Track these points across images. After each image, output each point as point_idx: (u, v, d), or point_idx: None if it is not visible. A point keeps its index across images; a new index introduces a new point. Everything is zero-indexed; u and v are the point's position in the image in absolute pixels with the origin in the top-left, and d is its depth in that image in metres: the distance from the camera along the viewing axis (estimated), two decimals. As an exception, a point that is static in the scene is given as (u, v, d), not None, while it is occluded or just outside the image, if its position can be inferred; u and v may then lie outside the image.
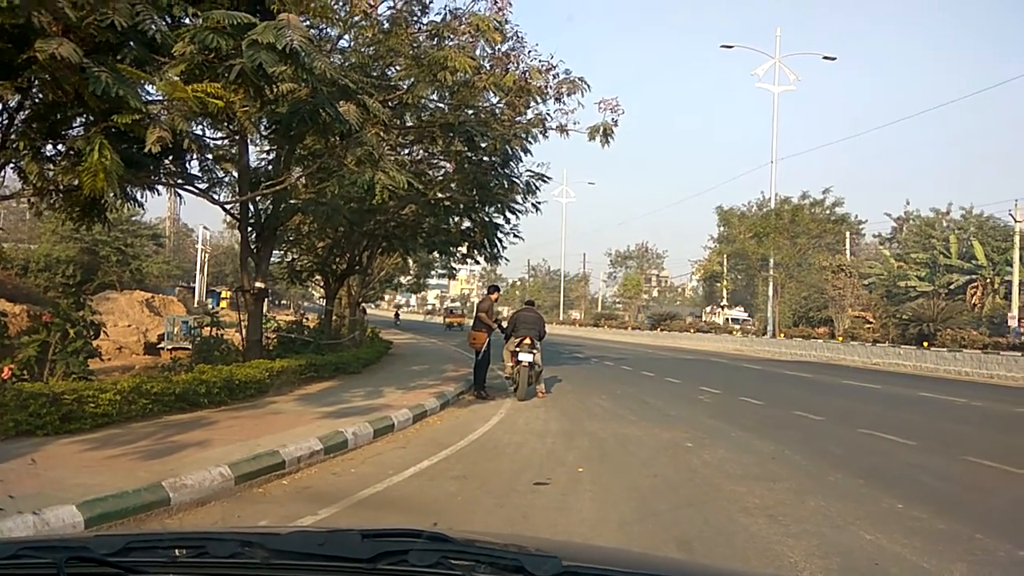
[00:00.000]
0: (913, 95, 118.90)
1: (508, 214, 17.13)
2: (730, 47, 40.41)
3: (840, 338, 32.27)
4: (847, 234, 45.61)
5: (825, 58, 40.02)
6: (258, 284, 12.49)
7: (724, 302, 55.86)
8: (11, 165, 7.64)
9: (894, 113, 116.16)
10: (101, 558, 1.22)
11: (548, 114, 13.78)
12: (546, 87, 12.97)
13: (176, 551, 1.34)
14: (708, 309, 59.90)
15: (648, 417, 11.04)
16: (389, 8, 11.61)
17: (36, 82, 6.25)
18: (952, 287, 42.88)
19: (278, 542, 1.38)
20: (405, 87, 11.79)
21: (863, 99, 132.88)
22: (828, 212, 39.34)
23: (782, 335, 36.83)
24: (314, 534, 1.52)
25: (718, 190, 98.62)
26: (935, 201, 79.69)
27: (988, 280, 42.13)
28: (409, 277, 41.54)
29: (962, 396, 16.37)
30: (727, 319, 50.45)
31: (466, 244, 18.56)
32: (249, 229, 12.74)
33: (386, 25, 11.62)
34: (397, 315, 62.10)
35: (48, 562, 1.21)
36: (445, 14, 11.86)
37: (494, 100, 13.51)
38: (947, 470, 7.95)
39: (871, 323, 33.97)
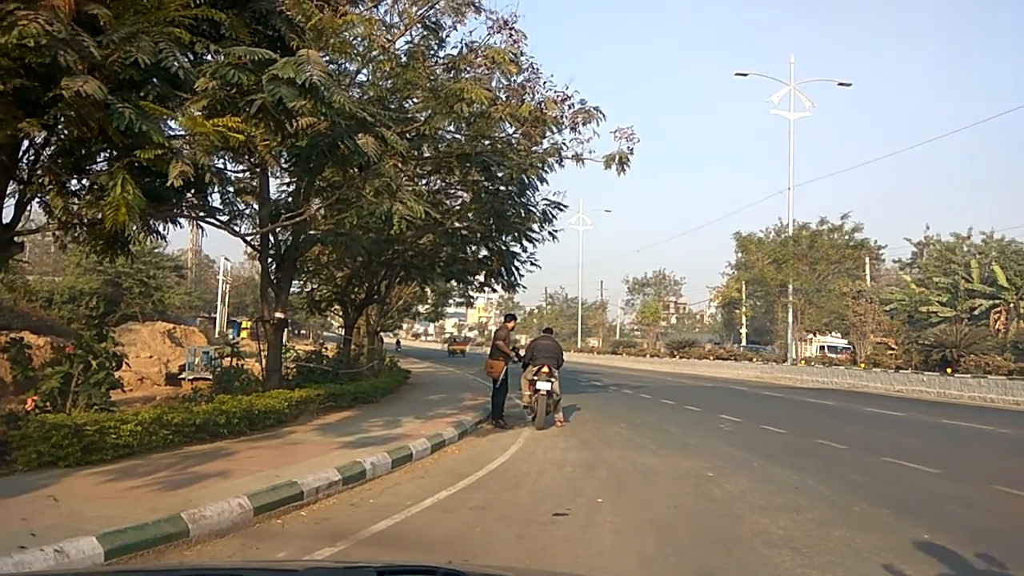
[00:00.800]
0: (933, 120, 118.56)
1: (525, 242, 17.24)
2: (745, 75, 40.52)
3: (862, 365, 31.84)
4: (867, 260, 45.21)
5: (840, 84, 40.00)
6: (278, 314, 12.58)
7: (745, 329, 55.05)
8: (37, 200, 7.79)
9: (913, 138, 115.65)
10: None
11: (564, 143, 13.93)
12: (561, 117, 13.09)
13: None
14: (797, 337, 48.47)
15: (668, 446, 10.93)
16: (407, 43, 11.81)
17: (62, 119, 6.40)
18: (975, 312, 42.30)
19: None
20: (422, 119, 11.92)
21: (882, 124, 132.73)
22: (847, 238, 39.14)
23: (803, 362, 36.43)
24: (330, 570, 1.52)
25: (736, 216, 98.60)
26: (956, 226, 79.01)
27: (1012, 304, 41.51)
28: (427, 306, 41.72)
29: (988, 423, 16.08)
30: (822, 347, 43.10)
31: (483, 272, 18.64)
32: (269, 260, 12.87)
33: (404, 59, 11.79)
34: (398, 342, 67.59)
35: None
36: (462, 47, 12.07)
37: (510, 130, 13.63)
38: (974, 499, 7.79)
39: (893, 349, 33.51)
